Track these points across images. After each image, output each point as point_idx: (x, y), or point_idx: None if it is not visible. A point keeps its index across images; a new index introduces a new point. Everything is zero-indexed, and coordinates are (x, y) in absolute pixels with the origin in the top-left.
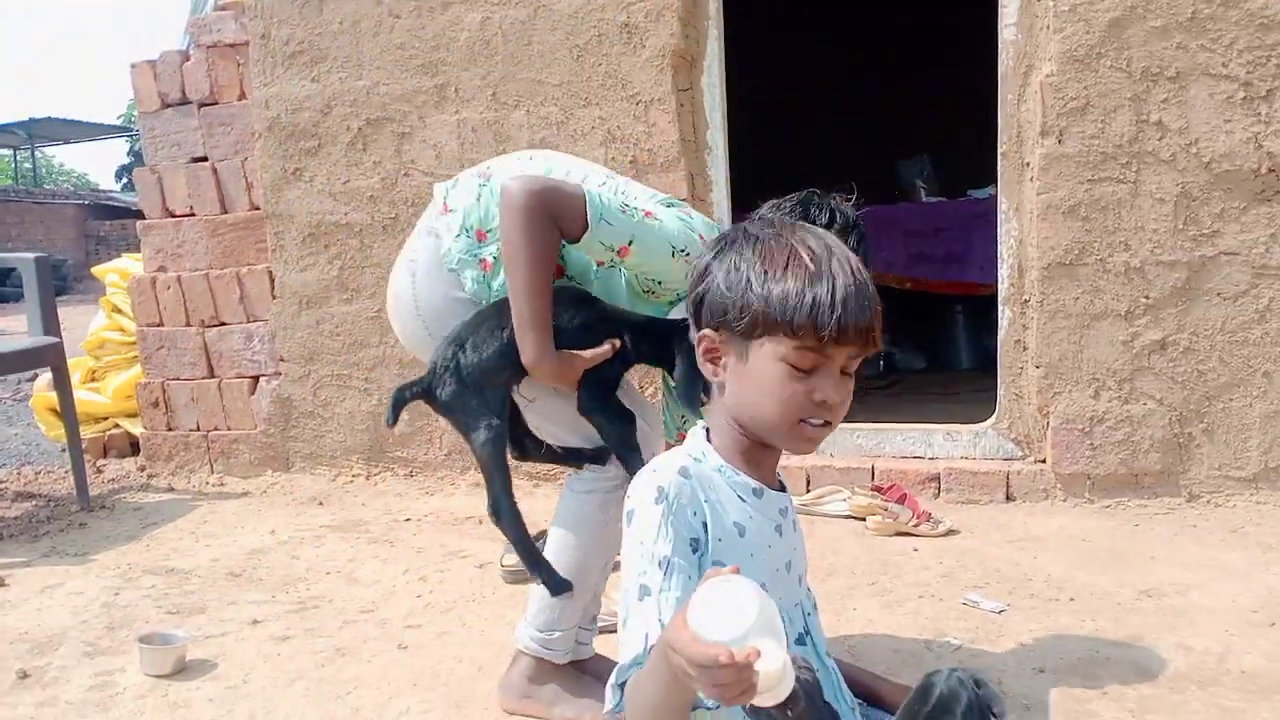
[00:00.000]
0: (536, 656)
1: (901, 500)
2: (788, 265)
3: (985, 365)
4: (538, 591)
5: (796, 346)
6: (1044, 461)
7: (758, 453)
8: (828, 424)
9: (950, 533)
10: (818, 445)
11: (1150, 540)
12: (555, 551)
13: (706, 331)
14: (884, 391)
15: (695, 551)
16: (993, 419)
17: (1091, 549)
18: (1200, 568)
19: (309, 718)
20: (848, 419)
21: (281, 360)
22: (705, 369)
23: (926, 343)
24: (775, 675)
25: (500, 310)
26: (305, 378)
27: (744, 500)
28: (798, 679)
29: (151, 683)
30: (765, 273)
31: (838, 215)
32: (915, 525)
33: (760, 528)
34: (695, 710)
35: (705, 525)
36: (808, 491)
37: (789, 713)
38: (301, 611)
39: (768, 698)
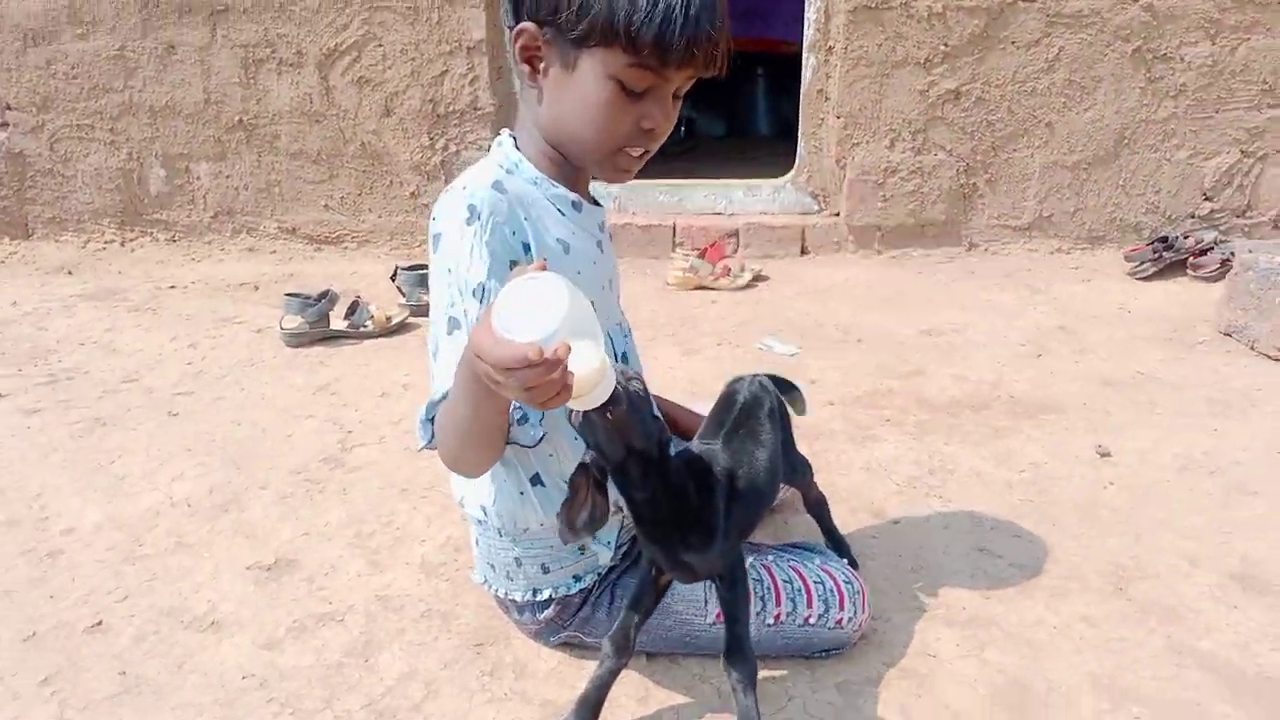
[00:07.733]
0: None
1: (702, 255)
2: None
3: (784, 133)
4: None
5: (633, 64)
6: (838, 214)
7: (570, 166)
8: (646, 153)
9: (749, 286)
10: (632, 176)
11: (932, 286)
12: None
13: (527, 25)
14: (684, 156)
15: None
16: (792, 173)
17: (878, 296)
18: (976, 309)
19: (67, 490)
20: (648, 174)
21: (8, 109)
22: (519, 70)
23: (726, 108)
24: (592, 376)
25: None
26: (40, 129)
27: (564, 214)
28: (624, 387)
29: None
30: None
31: None
32: (715, 280)
33: (583, 244)
34: (511, 444)
35: (526, 246)
36: None
37: (608, 415)
38: (53, 384)
39: (586, 401)
